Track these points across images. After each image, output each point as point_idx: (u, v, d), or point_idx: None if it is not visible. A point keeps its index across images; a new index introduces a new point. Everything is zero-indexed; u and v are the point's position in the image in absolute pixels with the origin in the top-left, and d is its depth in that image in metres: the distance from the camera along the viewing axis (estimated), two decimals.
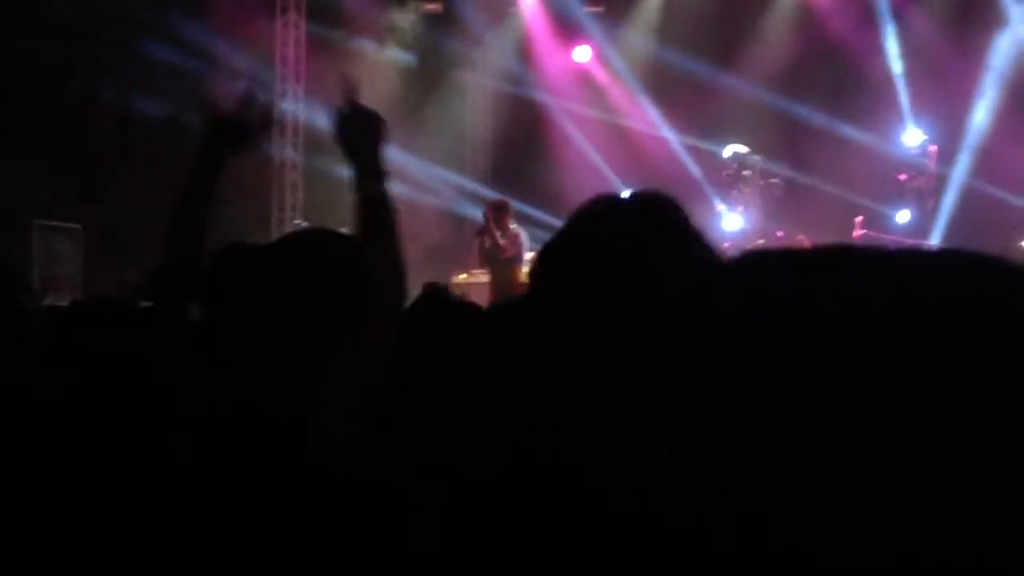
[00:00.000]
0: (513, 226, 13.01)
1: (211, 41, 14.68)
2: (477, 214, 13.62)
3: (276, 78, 16.22)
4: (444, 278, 14.23)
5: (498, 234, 12.83)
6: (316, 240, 2.42)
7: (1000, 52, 14.76)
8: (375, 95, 16.38)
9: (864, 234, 14.35)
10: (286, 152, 16.12)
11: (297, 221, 14.95)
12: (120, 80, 14.39)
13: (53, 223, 13.25)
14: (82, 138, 13.32)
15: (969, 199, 14.80)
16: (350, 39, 16.20)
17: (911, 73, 15.51)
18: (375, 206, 2.81)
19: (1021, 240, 14.55)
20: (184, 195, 3.18)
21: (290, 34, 16.34)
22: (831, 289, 0.86)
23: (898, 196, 15.36)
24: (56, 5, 13.36)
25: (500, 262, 12.80)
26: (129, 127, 14.23)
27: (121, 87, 14.45)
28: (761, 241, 14.91)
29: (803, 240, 14.20)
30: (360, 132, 2.91)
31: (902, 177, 15.28)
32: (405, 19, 16.67)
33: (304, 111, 16.18)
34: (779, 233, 14.64)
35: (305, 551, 1.96)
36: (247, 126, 3.24)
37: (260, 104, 3.28)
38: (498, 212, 12.98)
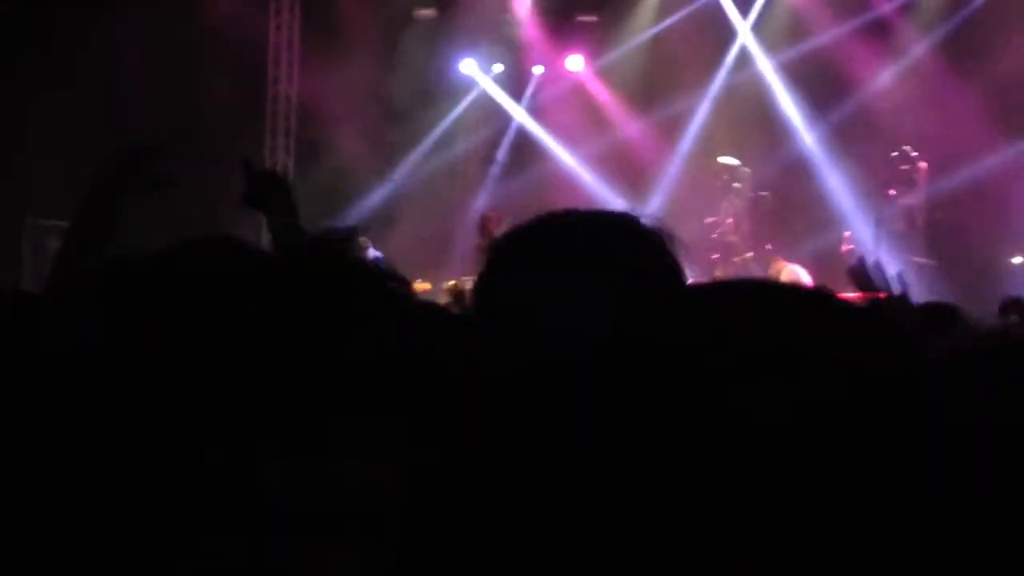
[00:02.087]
0: None
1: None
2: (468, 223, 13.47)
3: (268, 80, 16.22)
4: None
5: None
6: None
7: (991, 73, 14.78)
8: (371, 102, 16.39)
9: (852, 249, 14.39)
10: (278, 156, 16.09)
11: None
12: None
13: (44, 221, 13.10)
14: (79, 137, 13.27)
15: (958, 217, 14.80)
16: (346, 44, 16.19)
17: (904, 90, 15.53)
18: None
19: (1012, 258, 14.60)
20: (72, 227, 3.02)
21: (283, 37, 16.34)
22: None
23: (887, 212, 15.38)
24: None
25: None
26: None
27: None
28: (750, 254, 14.94)
29: (780, 257, 14.28)
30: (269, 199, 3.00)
31: (891, 192, 15.30)
32: (405, 30, 16.59)
33: (296, 116, 16.17)
34: (768, 246, 14.67)
35: None
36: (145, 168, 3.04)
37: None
38: (488, 222, 12.83)
